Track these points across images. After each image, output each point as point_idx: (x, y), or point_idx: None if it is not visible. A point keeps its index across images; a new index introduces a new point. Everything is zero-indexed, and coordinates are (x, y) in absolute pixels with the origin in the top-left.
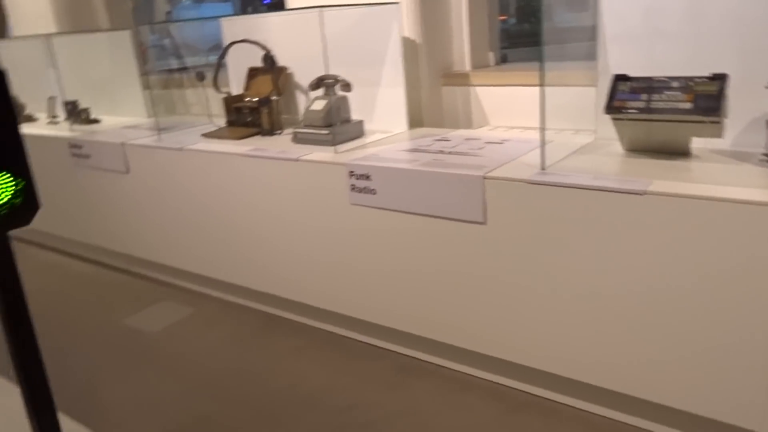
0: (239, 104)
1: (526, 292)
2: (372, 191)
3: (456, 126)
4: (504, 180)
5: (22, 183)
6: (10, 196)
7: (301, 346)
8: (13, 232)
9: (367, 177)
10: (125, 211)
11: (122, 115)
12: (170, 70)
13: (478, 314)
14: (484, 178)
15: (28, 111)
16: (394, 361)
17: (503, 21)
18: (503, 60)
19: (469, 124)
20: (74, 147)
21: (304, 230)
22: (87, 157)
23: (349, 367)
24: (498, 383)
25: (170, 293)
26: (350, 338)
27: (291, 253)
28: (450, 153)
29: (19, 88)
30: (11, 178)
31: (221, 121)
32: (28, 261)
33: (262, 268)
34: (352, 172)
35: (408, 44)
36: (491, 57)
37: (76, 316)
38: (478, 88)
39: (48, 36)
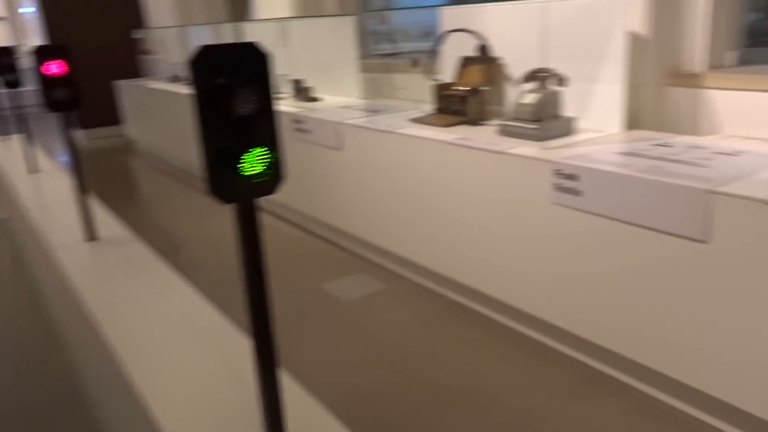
0: (448, 92)
1: (748, 322)
2: (578, 192)
3: (679, 131)
4: (735, 197)
5: (275, 156)
6: (263, 168)
7: (484, 338)
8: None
9: (573, 177)
10: (335, 185)
11: (340, 95)
12: (385, 55)
13: (685, 339)
14: (711, 192)
15: None
16: (580, 371)
17: (747, 15)
18: (745, 60)
19: (695, 131)
20: (296, 122)
21: (500, 223)
22: (307, 132)
23: (531, 368)
24: (701, 419)
25: (366, 267)
26: (536, 339)
27: (484, 243)
28: (671, 161)
29: None
30: (267, 152)
31: (429, 108)
32: None
33: (454, 254)
34: (558, 170)
35: (633, 39)
36: (730, 56)
37: (282, 274)
38: (711, 91)
39: (282, 19)
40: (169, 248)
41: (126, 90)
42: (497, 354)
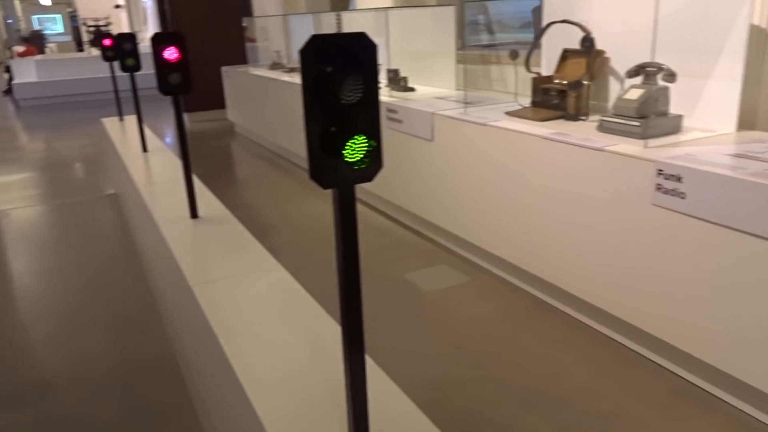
0: (547, 85)
1: None
2: (681, 194)
3: None
4: None
5: (374, 145)
6: (362, 156)
7: (568, 338)
8: None
9: (677, 178)
10: (424, 176)
11: (435, 86)
12: (482, 46)
13: None
14: None
15: None
16: (669, 381)
17: None
18: None
19: None
20: (390, 111)
21: (595, 222)
22: (400, 122)
23: (616, 373)
24: None
25: (450, 259)
26: (622, 344)
27: (575, 241)
28: None
29: None
30: (369, 140)
31: (525, 101)
32: None
33: (542, 251)
34: (661, 170)
35: (756, 33)
36: None
37: (366, 261)
38: None
39: (383, 9)
40: (261, 229)
41: (229, 75)
42: (580, 355)
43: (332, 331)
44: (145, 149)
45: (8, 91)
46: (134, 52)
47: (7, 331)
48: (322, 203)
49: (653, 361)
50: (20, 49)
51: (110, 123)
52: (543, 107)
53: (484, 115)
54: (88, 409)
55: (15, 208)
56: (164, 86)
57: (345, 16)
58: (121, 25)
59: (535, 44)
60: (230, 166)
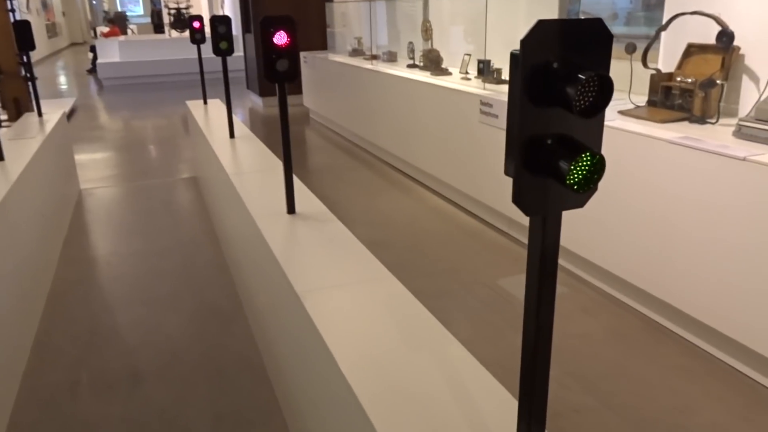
0: (671, 83)
1: None
2: None
3: None
4: None
5: (601, 163)
6: (583, 176)
7: (692, 368)
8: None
9: None
10: None
11: None
12: None
13: None
14: None
15: (444, 65)
16: None
17: None
18: None
19: None
20: (485, 105)
21: (728, 240)
22: (495, 116)
23: (752, 415)
24: None
25: None
26: (758, 382)
27: (702, 259)
28: None
29: (441, 44)
30: (589, 158)
31: (639, 99)
32: (421, 202)
33: (658, 266)
34: None
35: None
36: None
37: (458, 264)
38: None
39: None
40: (344, 224)
41: (308, 61)
42: (707, 389)
43: (455, 355)
44: (232, 135)
45: (92, 70)
46: (228, 35)
47: (95, 315)
48: (405, 198)
49: None
50: (105, 29)
51: (194, 106)
52: (662, 107)
53: None
54: (176, 406)
55: (98, 187)
56: (272, 73)
57: (431, 3)
58: (200, 7)
59: (656, 37)
60: (307, 155)
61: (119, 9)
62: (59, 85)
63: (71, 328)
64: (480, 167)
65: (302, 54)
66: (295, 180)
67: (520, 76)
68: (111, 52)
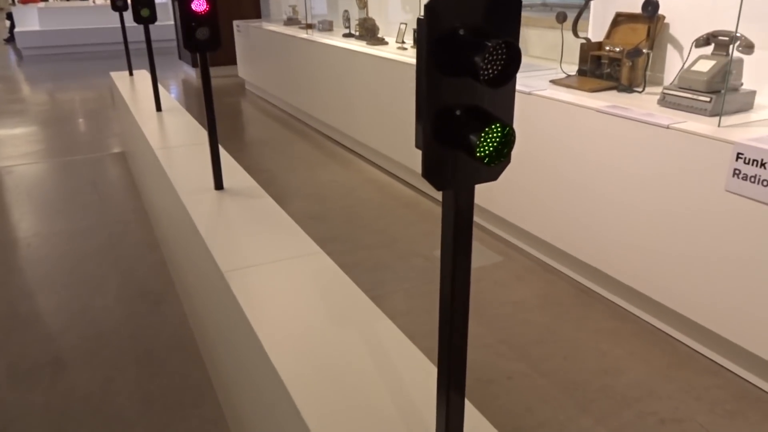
0: (600, 53)
1: None
2: (763, 182)
3: None
4: None
5: (512, 134)
6: (494, 149)
7: (619, 331)
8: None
9: (762, 164)
10: None
11: None
12: (528, 6)
13: None
14: None
15: (381, 34)
16: (733, 384)
17: None
18: None
19: None
20: None
21: (654, 206)
22: None
23: (672, 372)
24: None
25: (480, 235)
26: (678, 340)
27: (630, 226)
28: None
29: (377, 13)
30: (499, 128)
31: (570, 69)
32: (359, 173)
33: (588, 233)
34: (740, 153)
35: None
36: None
37: (394, 235)
38: None
39: None
40: (278, 197)
41: (241, 30)
42: (633, 350)
43: (382, 329)
44: (159, 108)
45: (10, 40)
46: (150, 2)
47: (15, 299)
48: (343, 170)
49: (714, 361)
50: None
51: (119, 77)
52: (591, 76)
53: (527, 83)
54: (103, 390)
55: (18, 165)
56: (191, 42)
57: None
58: None
59: (586, 6)
60: (242, 127)
61: None
62: None
63: None
64: (411, 134)
65: (235, 22)
66: (225, 155)
67: (426, 44)
68: (30, 20)
